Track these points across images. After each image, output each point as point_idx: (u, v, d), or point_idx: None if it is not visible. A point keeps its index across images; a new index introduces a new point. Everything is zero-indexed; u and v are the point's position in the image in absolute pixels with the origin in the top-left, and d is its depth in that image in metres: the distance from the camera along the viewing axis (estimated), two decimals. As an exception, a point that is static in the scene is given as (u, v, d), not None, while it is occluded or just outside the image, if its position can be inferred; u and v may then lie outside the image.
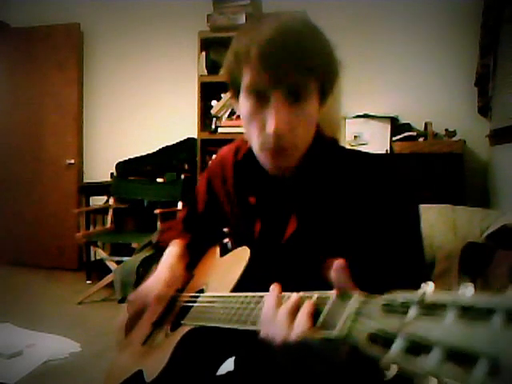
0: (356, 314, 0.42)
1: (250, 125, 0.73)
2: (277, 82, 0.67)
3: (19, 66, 4.13)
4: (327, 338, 0.44)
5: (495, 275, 1.45)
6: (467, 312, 0.31)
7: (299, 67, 0.66)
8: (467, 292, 0.33)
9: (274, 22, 0.68)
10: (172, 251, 0.97)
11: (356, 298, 0.43)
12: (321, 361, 0.47)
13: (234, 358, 0.88)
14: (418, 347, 0.33)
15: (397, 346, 0.34)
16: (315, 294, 0.50)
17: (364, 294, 0.43)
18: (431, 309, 0.34)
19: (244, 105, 0.73)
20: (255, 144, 0.74)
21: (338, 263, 0.49)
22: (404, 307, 0.37)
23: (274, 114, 0.68)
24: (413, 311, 0.36)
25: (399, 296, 0.38)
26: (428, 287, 0.37)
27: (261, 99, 0.69)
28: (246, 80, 0.70)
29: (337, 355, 0.44)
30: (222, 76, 3.24)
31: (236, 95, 0.76)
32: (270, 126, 0.68)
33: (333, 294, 0.48)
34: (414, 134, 2.92)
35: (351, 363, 0.44)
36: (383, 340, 0.36)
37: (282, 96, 0.68)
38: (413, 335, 0.34)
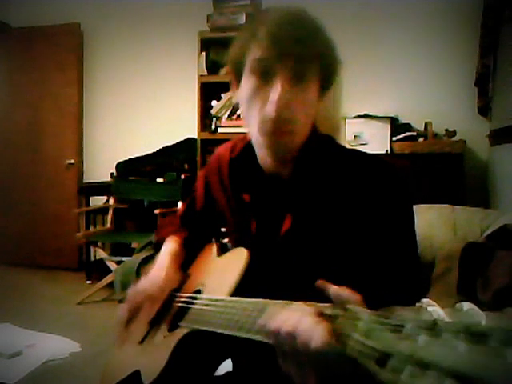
0: (362, 332, 0.41)
1: (250, 105, 0.73)
2: (283, 59, 0.68)
3: (19, 66, 4.13)
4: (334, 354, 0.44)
5: (495, 275, 1.45)
6: (475, 335, 0.31)
7: (306, 47, 0.69)
8: (473, 312, 0.33)
9: (281, 9, 0.72)
10: (169, 248, 0.96)
11: (363, 316, 0.43)
12: (326, 374, 0.47)
13: (231, 359, 0.88)
14: (417, 365, 0.33)
15: (397, 363, 0.34)
16: (323, 308, 0.50)
17: (371, 312, 0.43)
18: (439, 331, 0.34)
19: (246, 85, 0.73)
20: (254, 125, 0.73)
21: (320, 284, 0.49)
22: (411, 328, 0.37)
23: (278, 89, 0.69)
24: (420, 333, 0.35)
25: (406, 316, 0.38)
26: (432, 305, 0.37)
27: (264, 77, 0.70)
28: (251, 58, 0.71)
29: (343, 371, 0.44)
30: (223, 75, 3.24)
31: (237, 83, 0.77)
32: (273, 99, 0.68)
33: (340, 310, 0.47)
34: (414, 133, 2.92)
35: (352, 377, 0.44)
36: (384, 356, 0.36)
37: (286, 74, 0.69)
38: (413, 353, 0.33)
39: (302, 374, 0.48)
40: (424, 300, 0.36)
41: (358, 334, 0.42)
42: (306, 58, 0.69)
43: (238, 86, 0.77)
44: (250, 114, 0.74)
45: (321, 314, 0.48)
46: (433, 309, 0.34)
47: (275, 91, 0.69)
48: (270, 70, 0.70)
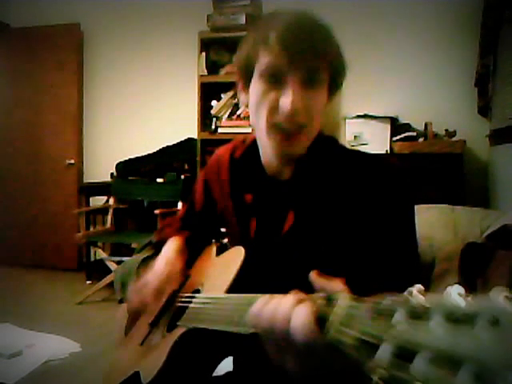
0: (343, 316, 0.42)
1: (259, 107, 0.73)
2: (295, 65, 0.68)
3: (19, 66, 4.13)
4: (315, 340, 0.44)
5: (495, 275, 1.45)
6: (453, 315, 0.31)
7: (317, 50, 0.69)
8: (453, 294, 0.33)
9: (291, 13, 0.72)
10: (171, 246, 0.96)
11: (344, 301, 0.43)
12: (310, 361, 0.47)
13: (232, 358, 0.88)
14: (404, 351, 0.33)
15: (383, 350, 0.34)
16: (307, 295, 0.50)
17: (352, 297, 0.43)
18: (418, 312, 0.34)
19: (255, 89, 0.73)
20: (264, 124, 0.73)
21: (312, 276, 0.50)
22: (391, 311, 0.37)
23: (291, 91, 0.69)
24: (399, 315, 0.35)
25: (386, 299, 0.38)
26: (415, 290, 0.37)
27: (275, 81, 0.70)
28: (262, 63, 0.71)
29: (324, 357, 0.44)
30: (223, 75, 3.25)
31: (246, 86, 0.77)
32: (287, 101, 0.68)
33: (322, 295, 0.48)
34: (414, 134, 2.92)
35: (338, 366, 0.44)
36: (370, 344, 0.36)
37: (297, 77, 0.69)
38: (399, 339, 0.33)
39: (285, 360, 0.49)
40: (416, 286, 0.36)
41: (337, 318, 0.42)
42: (317, 62, 0.69)
43: (246, 91, 0.77)
44: (259, 114, 0.74)
45: (301, 299, 0.49)
46: (415, 293, 0.34)
47: (287, 97, 0.69)
48: (281, 75, 0.70)
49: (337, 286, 0.49)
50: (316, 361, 0.46)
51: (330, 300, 0.46)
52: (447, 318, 0.32)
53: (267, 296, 0.53)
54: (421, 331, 0.32)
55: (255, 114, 0.75)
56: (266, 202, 0.82)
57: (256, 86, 0.73)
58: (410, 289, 0.37)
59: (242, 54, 0.76)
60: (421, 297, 0.36)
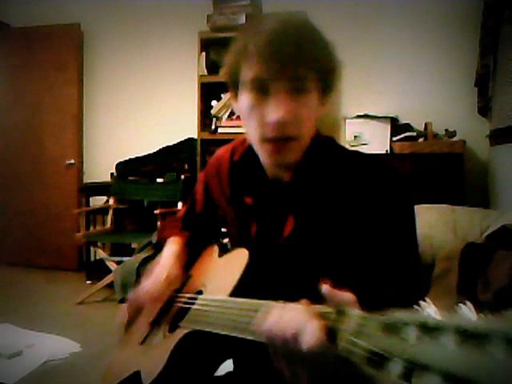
0: (354, 330, 0.41)
1: (249, 118, 0.72)
2: (277, 73, 0.67)
3: (19, 66, 4.13)
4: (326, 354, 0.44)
5: (495, 275, 1.45)
6: (466, 334, 0.31)
7: (299, 58, 0.67)
8: (468, 314, 0.33)
9: (273, 19, 0.70)
10: (170, 250, 0.96)
11: (356, 316, 0.43)
12: (320, 374, 0.47)
13: (232, 359, 0.88)
14: (414, 367, 0.32)
15: (393, 365, 0.34)
16: (317, 308, 0.50)
17: (364, 312, 0.43)
18: (429, 328, 0.34)
19: (244, 100, 0.72)
20: (255, 137, 0.73)
21: (324, 289, 0.49)
22: (402, 326, 0.36)
23: (276, 102, 0.68)
24: (413, 333, 0.35)
25: (400, 316, 0.38)
26: (429, 308, 0.36)
27: (261, 92, 0.70)
28: (245, 75, 0.70)
29: (334, 371, 0.44)
30: (222, 77, 3.24)
31: (235, 95, 0.76)
32: (273, 114, 0.68)
33: (332, 308, 0.47)
34: (414, 134, 2.92)
35: (348, 379, 0.44)
36: (380, 358, 0.36)
37: (282, 87, 0.68)
38: (410, 355, 0.33)
39: (294, 373, 0.48)
40: (423, 303, 0.36)
41: (348, 333, 0.42)
42: (302, 70, 0.68)
43: (235, 100, 0.77)
44: (250, 125, 0.73)
45: (313, 313, 0.48)
46: (429, 311, 0.34)
47: (272, 110, 0.68)
48: (266, 87, 0.69)
49: (347, 298, 0.49)
50: (326, 373, 0.46)
51: (340, 313, 0.46)
52: (459, 336, 0.31)
53: (278, 308, 0.53)
54: (432, 348, 0.32)
55: (246, 126, 0.75)
56: (266, 206, 0.82)
57: (243, 98, 0.73)
58: (423, 305, 0.37)
59: (226, 65, 0.75)
60: (432, 312, 0.35)
